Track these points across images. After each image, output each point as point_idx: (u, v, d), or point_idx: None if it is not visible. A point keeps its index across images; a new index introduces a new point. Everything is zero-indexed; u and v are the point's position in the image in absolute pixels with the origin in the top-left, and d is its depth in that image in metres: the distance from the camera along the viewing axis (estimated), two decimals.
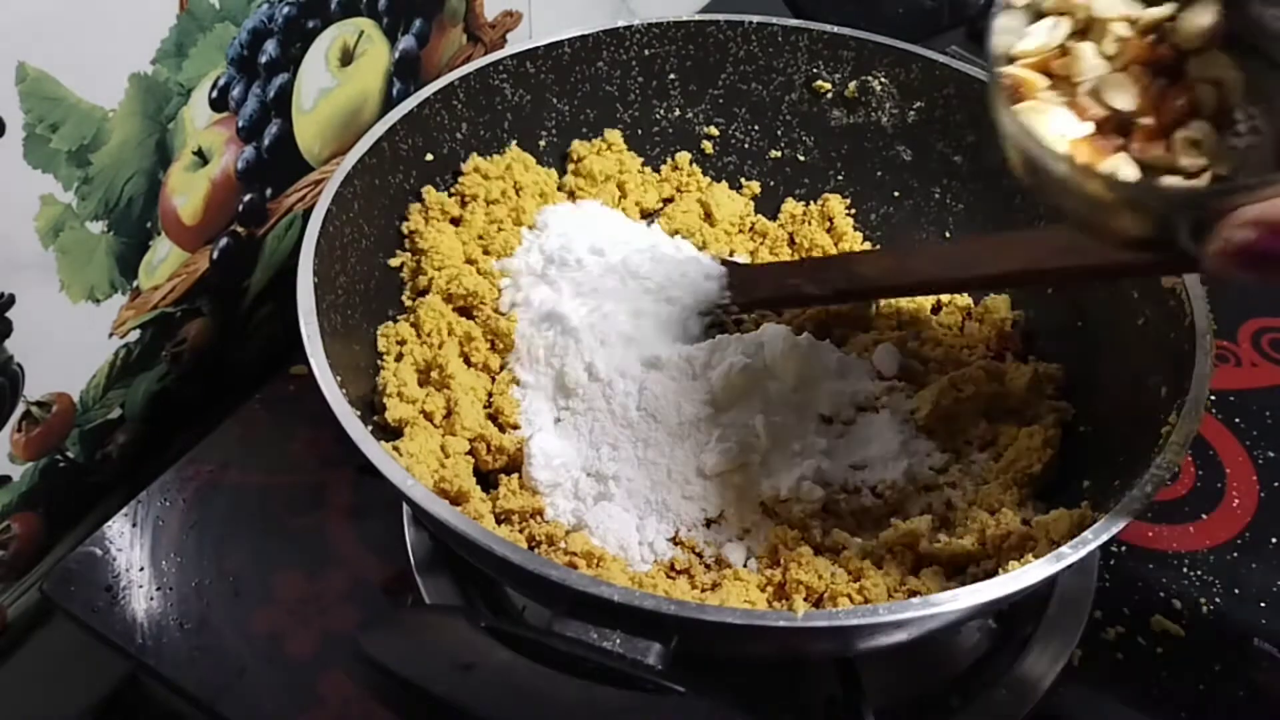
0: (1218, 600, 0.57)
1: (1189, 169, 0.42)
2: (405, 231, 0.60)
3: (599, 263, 0.59)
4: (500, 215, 0.62)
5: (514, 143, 0.65)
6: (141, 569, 0.57)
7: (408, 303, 0.58)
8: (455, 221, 0.62)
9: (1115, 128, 0.43)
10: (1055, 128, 0.43)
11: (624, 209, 0.66)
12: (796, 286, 0.57)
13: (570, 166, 0.67)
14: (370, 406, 0.53)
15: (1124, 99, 0.43)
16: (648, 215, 0.67)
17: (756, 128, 0.68)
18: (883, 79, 0.65)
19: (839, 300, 0.58)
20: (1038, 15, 0.45)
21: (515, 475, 0.53)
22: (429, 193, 0.61)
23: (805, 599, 0.46)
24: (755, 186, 0.69)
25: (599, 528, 0.51)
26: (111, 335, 0.59)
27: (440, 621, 0.39)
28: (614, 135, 0.67)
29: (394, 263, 0.59)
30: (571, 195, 0.66)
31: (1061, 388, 0.56)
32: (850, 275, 0.57)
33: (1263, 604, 0.57)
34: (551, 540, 0.50)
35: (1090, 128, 0.43)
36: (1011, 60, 0.45)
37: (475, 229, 0.61)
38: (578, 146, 0.67)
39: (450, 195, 0.62)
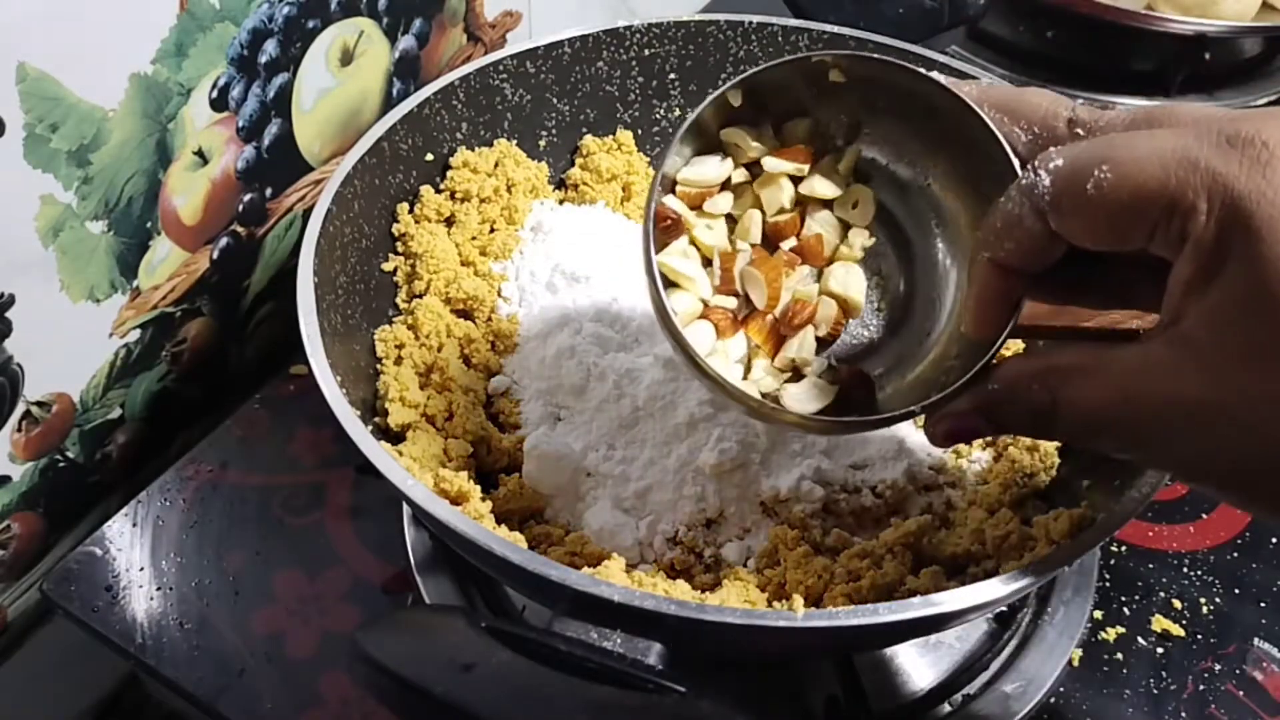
0: (1218, 600, 0.57)
1: (773, 370, 0.47)
2: (396, 234, 0.60)
3: (604, 272, 0.59)
4: (493, 215, 0.62)
5: (514, 142, 0.65)
6: (141, 569, 0.57)
7: (403, 305, 0.58)
8: (448, 221, 0.62)
9: (743, 304, 0.47)
10: (696, 288, 0.47)
11: (626, 213, 0.66)
12: None
13: (579, 161, 0.67)
14: (371, 408, 0.53)
15: (756, 293, 0.47)
16: None
17: None
18: None
19: None
20: (711, 149, 0.48)
21: (515, 475, 0.53)
22: (426, 192, 0.61)
23: (805, 599, 0.46)
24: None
25: (599, 528, 0.51)
26: (111, 335, 0.59)
27: (440, 621, 0.39)
28: (625, 136, 0.67)
29: (387, 267, 0.59)
30: (575, 189, 0.66)
31: None
32: None
33: (1263, 604, 0.57)
34: (551, 540, 0.50)
35: (730, 300, 0.47)
36: (674, 185, 0.47)
37: (469, 230, 0.61)
38: (589, 141, 0.67)
39: (440, 193, 0.62)
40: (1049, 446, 0.52)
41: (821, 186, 0.47)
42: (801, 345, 0.46)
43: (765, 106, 0.47)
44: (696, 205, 0.47)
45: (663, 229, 0.46)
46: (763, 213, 0.48)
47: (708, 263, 0.47)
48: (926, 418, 0.42)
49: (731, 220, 0.48)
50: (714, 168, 0.47)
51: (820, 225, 0.48)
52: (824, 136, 0.48)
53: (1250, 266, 0.33)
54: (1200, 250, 0.34)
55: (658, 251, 0.45)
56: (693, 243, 0.47)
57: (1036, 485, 0.51)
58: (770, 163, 0.47)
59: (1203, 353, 0.35)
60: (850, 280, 0.47)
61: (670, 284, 0.46)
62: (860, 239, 0.48)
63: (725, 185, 0.48)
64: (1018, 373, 0.39)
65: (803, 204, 0.48)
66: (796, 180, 0.48)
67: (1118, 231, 0.36)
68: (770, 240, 0.48)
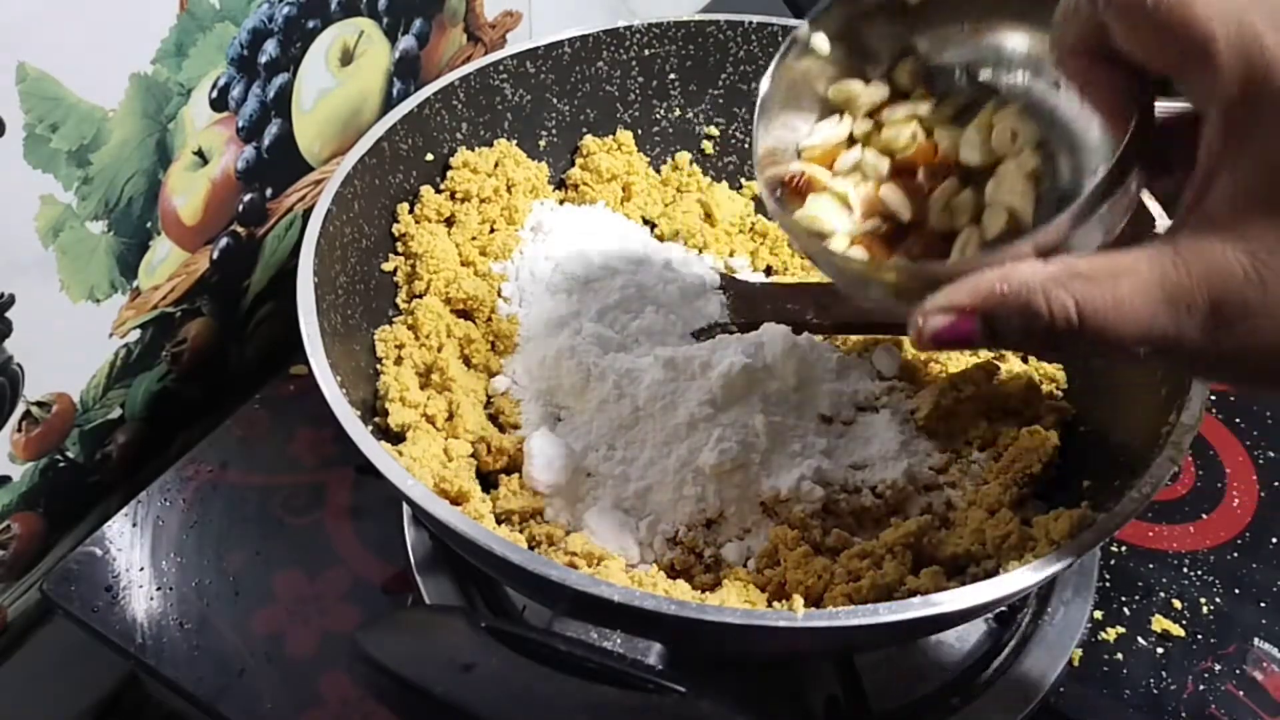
0: (1218, 600, 0.57)
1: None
2: (396, 234, 0.60)
3: (604, 272, 0.59)
4: (493, 215, 0.62)
5: (514, 142, 0.65)
6: (141, 569, 0.57)
7: (403, 305, 0.58)
8: (448, 221, 0.62)
9: (896, 226, 0.45)
10: (835, 224, 0.44)
11: (626, 212, 0.66)
12: (798, 313, 0.58)
13: (579, 161, 0.67)
14: (371, 408, 0.53)
15: (901, 208, 0.44)
16: (650, 222, 0.67)
17: None
18: None
19: (839, 331, 0.58)
20: (816, 107, 0.46)
21: (515, 475, 0.53)
22: (426, 192, 0.61)
23: (805, 599, 0.46)
24: (755, 186, 0.69)
25: (599, 528, 0.51)
26: (111, 335, 0.59)
27: (440, 621, 0.39)
28: (625, 136, 0.67)
29: (387, 267, 0.59)
30: (575, 189, 0.66)
31: (1061, 388, 0.56)
32: (853, 309, 0.58)
33: (1263, 604, 0.57)
34: (551, 540, 0.50)
35: (873, 223, 0.44)
36: (799, 154, 0.46)
37: (469, 230, 0.61)
38: (589, 142, 0.67)
39: (440, 193, 0.62)
40: (1049, 445, 0.52)
41: (968, 152, 0.44)
42: (964, 250, 0.42)
43: (864, 53, 0.46)
44: (827, 167, 0.46)
45: (794, 190, 0.45)
46: (892, 156, 0.46)
47: (849, 208, 0.46)
48: (922, 305, 0.38)
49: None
50: (833, 128, 0.46)
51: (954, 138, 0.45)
52: (936, 69, 0.46)
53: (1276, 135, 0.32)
54: (1230, 115, 0.33)
55: (797, 209, 0.45)
56: (831, 195, 0.46)
57: (1036, 484, 0.51)
58: (890, 113, 0.45)
59: (1232, 228, 0.33)
60: (1021, 190, 0.42)
61: (819, 235, 0.45)
62: (1032, 161, 0.43)
63: (851, 142, 0.46)
64: (1033, 274, 0.35)
65: (931, 132, 0.45)
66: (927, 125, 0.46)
67: (1153, 51, 0.35)
68: (906, 174, 0.46)
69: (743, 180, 0.70)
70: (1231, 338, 0.34)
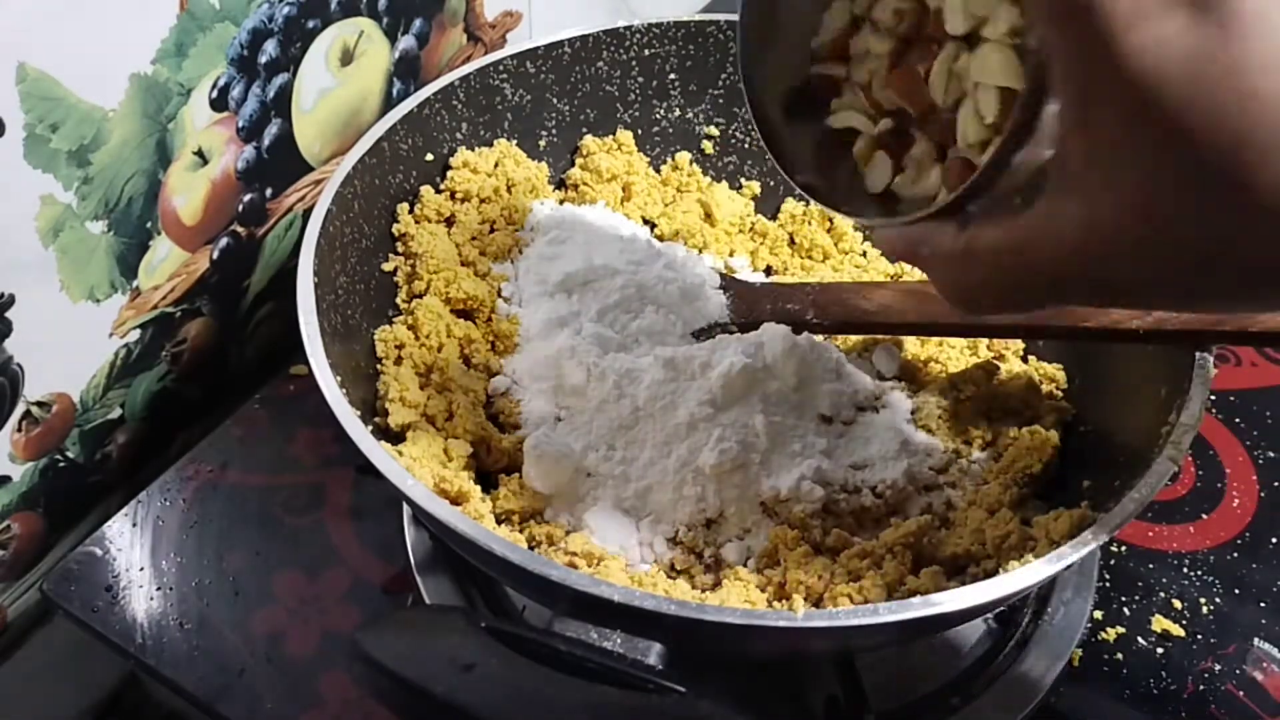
0: (1218, 600, 0.57)
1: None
2: (396, 234, 0.60)
3: (604, 272, 0.59)
4: (493, 215, 0.62)
5: (514, 142, 0.65)
6: (141, 569, 0.57)
7: (403, 305, 0.58)
8: (448, 221, 0.62)
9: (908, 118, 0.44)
10: (850, 123, 0.45)
11: (626, 212, 0.66)
12: (799, 313, 0.58)
13: (579, 161, 0.67)
14: (371, 408, 0.53)
15: (903, 102, 0.43)
16: (650, 222, 0.67)
17: None
18: None
19: (839, 331, 0.58)
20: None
21: (515, 475, 0.53)
22: (426, 192, 0.61)
23: (805, 599, 0.46)
24: (755, 186, 0.69)
25: (599, 528, 0.51)
26: (111, 335, 0.59)
27: (440, 621, 0.39)
28: (625, 136, 0.67)
29: (388, 267, 0.59)
30: (575, 189, 0.66)
31: (1061, 388, 0.56)
32: (852, 309, 0.58)
33: (1263, 604, 0.57)
34: (551, 540, 0.50)
35: (885, 124, 0.44)
36: (815, 57, 0.46)
37: (469, 230, 0.61)
38: (589, 142, 0.67)
39: (440, 193, 0.62)
40: (1049, 445, 0.52)
41: (952, 21, 0.40)
42: (965, 134, 0.40)
43: None
44: (844, 55, 0.45)
45: (815, 99, 0.46)
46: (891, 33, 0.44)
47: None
48: (885, 226, 0.41)
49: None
50: (835, 14, 0.45)
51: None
52: None
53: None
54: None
55: (830, 113, 0.46)
56: (851, 99, 0.46)
57: (1036, 484, 0.51)
58: None
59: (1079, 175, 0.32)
60: (1003, 59, 0.39)
61: (848, 143, 0.45)
62: (1007, 16, 0.39)
63: (857, 25, 0.45)
64: (941, 247, 0.37)
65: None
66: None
67: None
68: (910, 49, 0.43)
69: (743, 180, 0.70)
70: (1085, 287, 0.34)
